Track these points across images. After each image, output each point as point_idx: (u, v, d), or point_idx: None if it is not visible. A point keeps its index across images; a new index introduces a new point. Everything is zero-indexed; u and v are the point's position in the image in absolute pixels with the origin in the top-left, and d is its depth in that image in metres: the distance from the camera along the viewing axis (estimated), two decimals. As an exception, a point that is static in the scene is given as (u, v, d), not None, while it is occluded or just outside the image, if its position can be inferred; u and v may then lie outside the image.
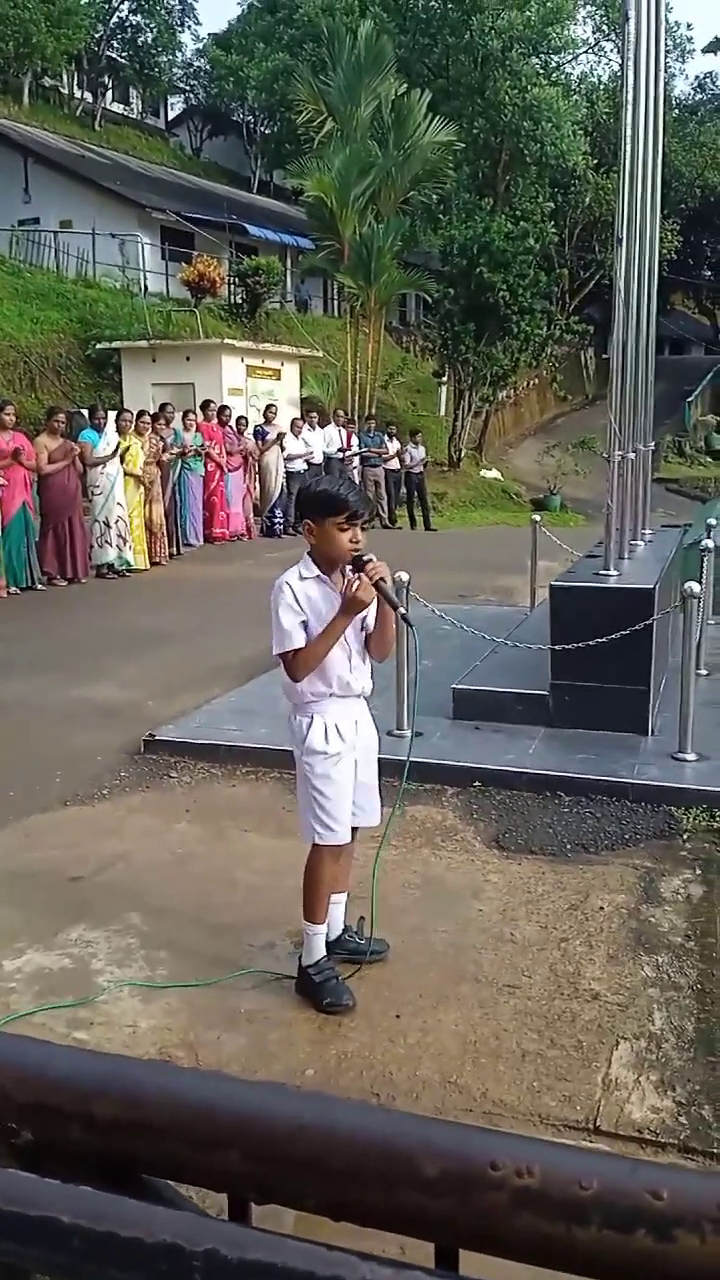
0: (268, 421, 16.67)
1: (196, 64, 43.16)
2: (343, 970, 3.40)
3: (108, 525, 12.15)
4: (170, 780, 5.46)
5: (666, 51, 14.97)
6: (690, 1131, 2.74)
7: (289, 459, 16.55)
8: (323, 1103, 0.64)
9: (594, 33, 35.43)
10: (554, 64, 31.96)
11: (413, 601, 5.76)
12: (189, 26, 44.88)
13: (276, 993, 3.40)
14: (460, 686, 6.22)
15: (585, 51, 35.14)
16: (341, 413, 19.42)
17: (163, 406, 14.53)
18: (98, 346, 19.13)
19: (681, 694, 5.36)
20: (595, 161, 30.26)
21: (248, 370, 18.39)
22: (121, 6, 37.97)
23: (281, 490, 16.32)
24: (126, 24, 38.59)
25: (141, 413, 13.51)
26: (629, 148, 6.01)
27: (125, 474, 12.40)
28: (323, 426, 17.82)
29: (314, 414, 18.12)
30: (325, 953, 3.39)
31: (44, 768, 5.61)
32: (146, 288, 24.54)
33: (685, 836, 4.65)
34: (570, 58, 33.59)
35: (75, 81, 39.09)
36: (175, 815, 4.98)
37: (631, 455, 6.80)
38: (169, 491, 13.68)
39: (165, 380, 17.42)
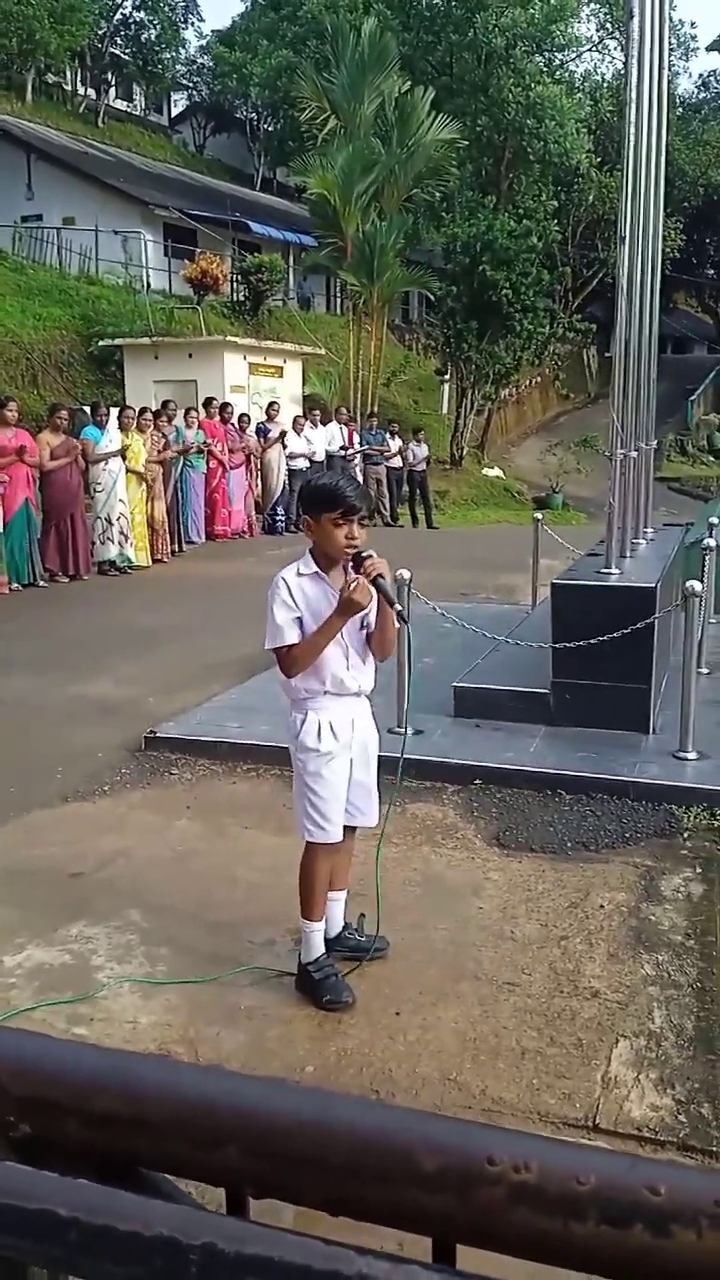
0: (270, 419, 16.67)
1: (200, 61, 43.13)
2: (342, 967, 3.41)
3: (110, 522, 12.16)
4: (171, 777, 5.46)
5: (670, 49, 14.96)
6: (689, 1130, 2.74)
7: (291, 457, 16.56)
8: (321, 1098, 0.64)
9: (597, 30, 35.44)
10: (558, 62, 31.94)
11: (414, 599, 5.75)
12: (192, 23, 44.89)
13: (276, 989, 3.41)
14: (461, 684, 6.22)
15: (589, 49, 35.15)
16: (344, 410, 19.42)
17: (165, 404, 14.53)
18: (100, 343, 19.13)
19: (682, 692, 5.36)
20: (598, 160, 30.22)
21: (250, 368, 18.39)
22: (125, 3, 37.98)
23: (283, 488, 16.33)
24: (130, 20, 38.59)
25: (144, 410, 13.52)
26: (632, 146, 6.00)
27: (127, 471, 12.40)
28: (325, 424, 17.82)
29: (317, 412, 18.12)
30: (324, 950, 3.39)
31: (45, 764, 5.62)
32: (149, 284, 24.53)
33: (686, 835, 4.65)
34: (574, 55, 33.58)
35: (78, 78, 39.06)
36: (176, 812, 4.98)
37: (634, 454, 6.79)
38: (171, 489, 13.69)
39: (167, 377, 17.42)
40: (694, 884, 4.20)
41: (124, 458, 12.29)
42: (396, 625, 3.28)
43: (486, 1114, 2.77)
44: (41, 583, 11.24)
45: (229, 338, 18.85)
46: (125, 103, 41.99)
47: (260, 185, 39.70)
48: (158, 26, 38.48)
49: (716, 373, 38.42)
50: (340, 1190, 0.61)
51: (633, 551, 6.89)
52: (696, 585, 5.43)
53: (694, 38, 41.51)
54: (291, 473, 16.29)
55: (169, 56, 40.13)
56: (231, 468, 15.29)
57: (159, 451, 13.22)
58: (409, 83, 23.78)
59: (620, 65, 30.59)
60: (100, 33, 36.47)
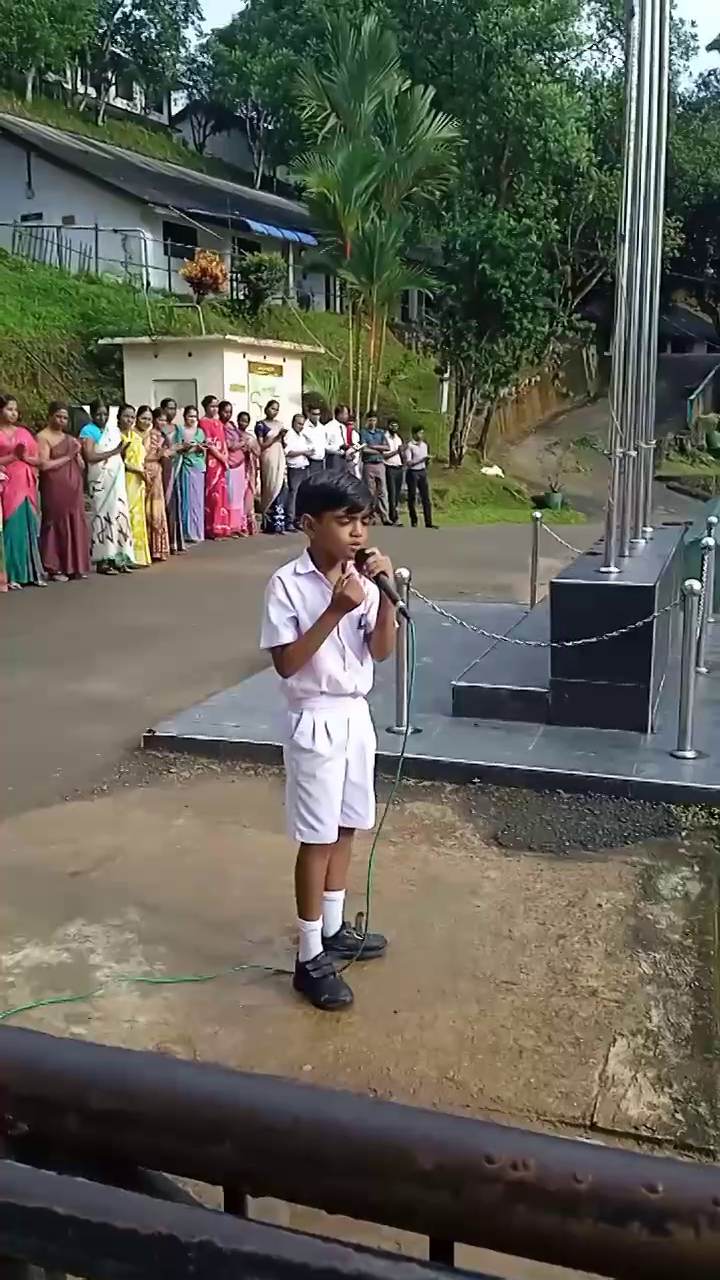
0: (269, 418, 16.66)
1: (200, 59, 43.10)
2: (338, 965, 3.40)
3: (109, 521, 12.15)
4: (169, 776, 5.46)
5: (670, 48, 14.95)
6: (687, 1128, 2.75)
7: (290, 455, 16.55)
8: (318, 1096, 0.64)
9: (598, 29, 35.44)
10: (558, 61, 31.96)
11: (413, 598, 5.75)
12: (193, 22, 44.76)
13: (274, 988, 3.41)
14: (460, 683, 6.22)
15: (589, 48, 35.13)
16: (344, 409, 19.41)
17: (164, 402, 14.53)
18: (100, 342, 19.12)
19: (681, 692, 5.36)
20: (598, 159, 30.21)
21: (249, 366, 18.38)
22: (125, 2, 37.95)
23: (283, 487, 16.32)
24: (130, 19, 38.56)
25: (143, 408, 13.51)
26: (633, 145, 6.00)
27: (127, 470, 12.40)
28: (325, 423, 17.82)
29: (317, 410, 18.11)
30: (322, 949, 3.39)
31: (43, 763, 5.62)
32: (149, 283, 24.51)
33: (684, 834, 4.65)
34: (574, 54, 33.58)
35: (79, 77, 39.02)
36: (174, 811, 4.98)
37: (633, 453, 6.79)
38: (170, 487, 13.69)
39: (167, 376, 17.41)
40: (692, 883, 4.20)
41: (123, 456, 12.29)
42: (397, 624, 3.28)
43: (484, 1113, 2.78)
44: (41, 581, 11.24)
45: (228, 336, 18.85)
46: (125, 101, 41.95)
47: (260, 184, 39.67)
48: (158, 25, 38.46)
49: (716, 372, 38.43)
50: (338, 1188, 0.61)
51: (632, 551, 6.88)
52: (695, 584, 5.44)
53: (694, 37, 41.41)
54: (291, 471, 16.28)
55: (169, 55, 40.11)
56: (231, 466, 15.29)
57: (158, 450, 13.22)
58: (409, 81, 23.79)
59: (620, 64, 30.59)
60: (100, 31, 36.42)
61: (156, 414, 13.74)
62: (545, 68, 30.01)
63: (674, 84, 37.45)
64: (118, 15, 38.02)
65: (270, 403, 17.15)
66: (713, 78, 44.70)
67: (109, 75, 39.45)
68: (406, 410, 25.34)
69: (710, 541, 7.49)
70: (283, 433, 16.55)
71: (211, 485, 15.06)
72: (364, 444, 18.39)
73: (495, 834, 4.68)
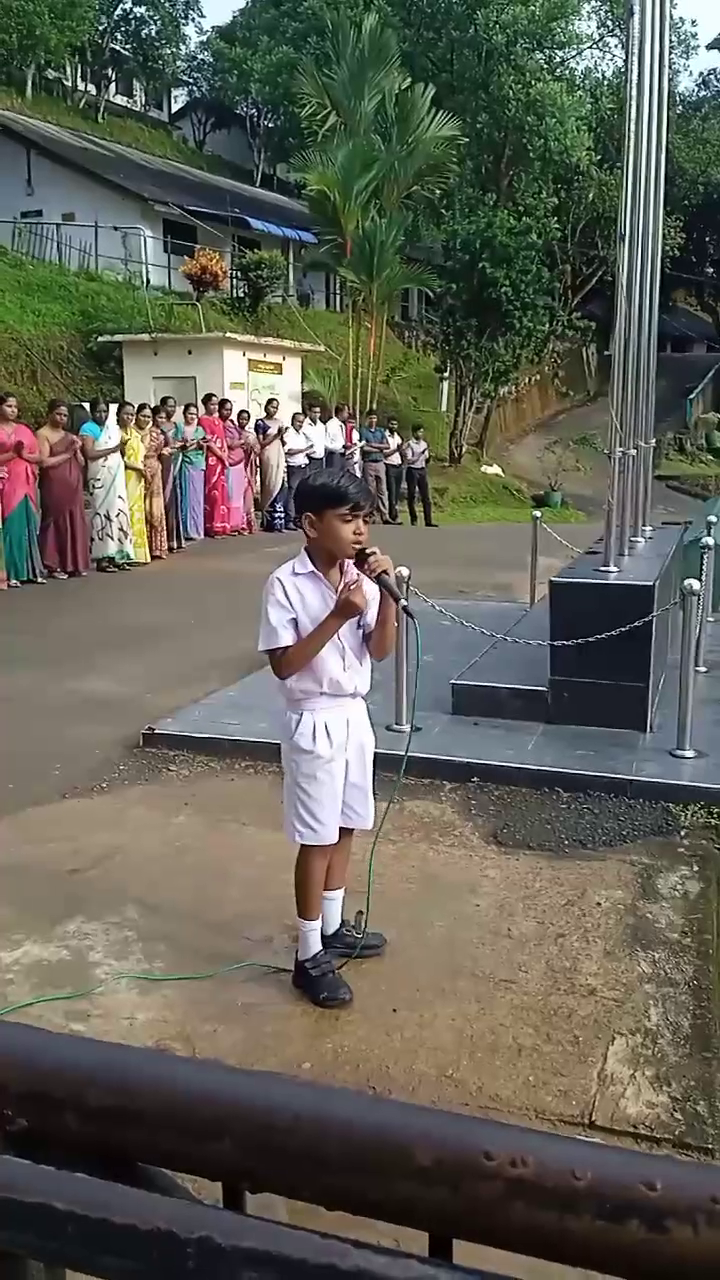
0: (269, 416, 16.65)
1: (200, 57, 43.08)
2: (336, 963, 3.40)
3: (108, 519, 12.15)
4: (169, 774, 5.46)
5: (671, 47, 14.95)
6: (685, 1127, 2.75)
7: (290, 454, 16.54)
8: (318, 1093, 0.64)
9: (598, 28, 35.34)
10: (558, 59, 31.94)
11: (412, 596, 5.75)
12: (193, 19, 44.93)
13: (273, 986, 3.41)
14: (459, 682, 6.22)
15: (589, 47, 35.06)
16: (345, 408, 19.40)
17: (164, 400, 14.52)
18: (99, 340, 19.11)
19: (680, 691, 5.36)
20: (599, 157, 30.19)
21: (249, 364, 18.37)
22: (125, -1, 37.92)
23: (282, 485, 16.32)
24: (130, 16, 38.51)
25: (142, 406, 13.51)
26: (633, 144, 6.00)
27: (126, 467, 12.40)
28: (325, 421, 17.81)
29: (317, 409, 18.10)
30: (321, 947, 3.39)
31: (43, 761, 5.62)
32: (148, 281, 24.48)
33: (683, 833, 4.66)
34: (574, 53, 33.54)
35: (79, 74, 38.98)
36: (174, 809, 4.98)
37: (632, 452, 6.79)
38: (169, 485, 13.68)
39: (167, 374, 17.40)
40: (691, 882, 4.20)
41: (123, 454, 12.28)
42: (397, 623, 3.27)
43: (483, 1111, 2.78)
44: (40, 579, 11.24)
45: (228, 334, 18.84)
46: (125, 98, 41.91)
47: (260, 181, 39.64)
48: (158, 22, 38.42)
49: (715, 371, 38.42)
50: (336, 1184, 0.61)
51: (631, 550, 6.89)
52: (695, 584, 5.44)
53: (694, 36, 41.40)
54: (290, 470, 16.28)
55: (169, 52, 40.08)
56: (230, 464, 15.29)
57: (157, 448, 13.21)
58: (409, 79, 23.78)
59: (621, 63, 30.54)
60: (101, 28, 36.38)
61: (156, 411, 13.73)
62: (545, 66, 29.99)
63: (674, 83, 37.42)
64: (118, 12, 37.97)
65: (270, 401, 17.14)
66: (713, 77, 44.69)
67: (109, 72, 39.41)
68: (406, 409, 25.34)
69: (709, 541, 7.50)
70: (282, 430, 16.54)
71: (211, 483, 15.06)
72: (364, 442, 18.39)
73: (494, 833, 4.68)
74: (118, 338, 18.63)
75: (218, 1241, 0.57)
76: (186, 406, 14.68)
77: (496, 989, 3.38)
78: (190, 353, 17.90)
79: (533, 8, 28.35)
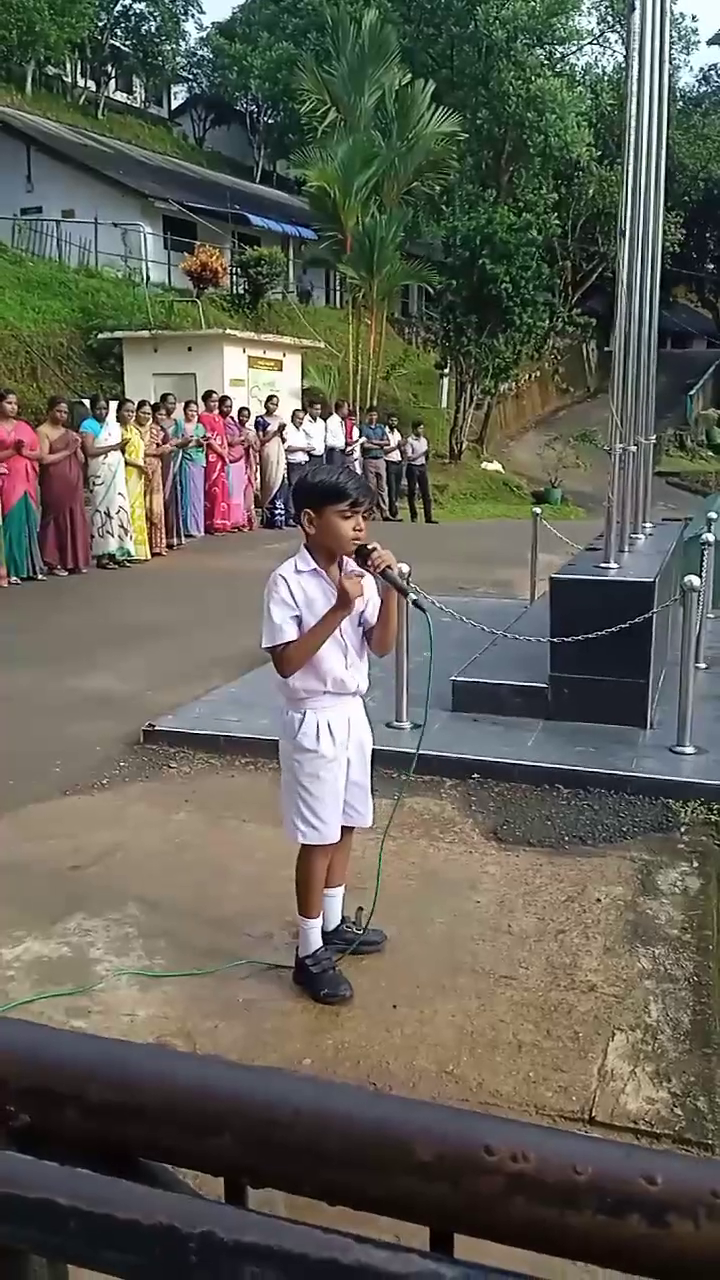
0: (269, 412, 16.64)
1: (200, 53, 43.02)
2: (335, 958, 3.41)
3: (109, 515, 12.15)
4: (169, 771, 5.46)
5: (671, 43, 14.92)
6: (685, 1123, 2.75)
7: (290, 450, 16.54)
8: (318, 1088, 0.64)
9: (598, 24, 35.29)
10: (558, 55, 31.89)
11: (413, 593, 5.74)
12: (193, 15, 44.61)
13: (274, 982, 3.41)
14: (459, 679, 6.22)
15: (590, 43, 35.05)
16: (345, 404, 19.39)
17: (164, 397, 14.51)
18: (99, 336, 19.10)
19: (680, 687, 5.36)
20: (599, 153, 30.16)
21: (249, 361, 18.35)
22: (125, -6, 37.86)
23: (283, 481, 16.32)
24: (130, 12, 38.49)
25: (143, 403, 13.50)
26: (633, 140, 5.99)
27: (127, 464, 12.39)
28: (325, 418, 17.80)
29: (318, 405, 18.09)
30: (322, 944, 3.39)
31: (43, 757, 5.62)
32: (148, 277, 24.46)
33: (683, 829, 4.66)
34: (575, 49, 33.51)
35: (78, 70, 38.94)
36: (174, 805, 4.98)
37: (633, 448, 6.78)
38: (169, 482, 13.68)
39: (167, 370, 17.40)
40: (690, 878, 4.21)
41: (123, 451, 12.28)
42: (413, 615, 3.26)
43: (483, 1107, 2.78)
44: (40, 576, 11.24)
45: (228, 331, 18.83)
46: (125, 95, 41.88)
47: (260, 178, 39.60)
48: (158, 18, 38.38)
49: (716, 367, 38.40)
50: (337, 1179, 0.61)
51: (631, 546, 6.88)
52: (695, 580, 5.44)
53: (695, 31, 41.30)
54: (290, 466, 16.27)
55: (169, 48, 40.04)
56: (231, 461, 15.28)
57: (157, 445, 13.20)
58: (409, 75, 23.74)
59: (621, 58, 30.49)
60: (100, 24, 36.34)
61: (156, 408, 13.73)
62: (546, 62, 29.95)
63: (674, 79, 37.37)
64: (118, 8, 37.92)
65: (270, 397, 17.13)
66: (713, 72, 44.66)
67: (109, 69, 39.37)
68: (406, 405, 25.34)
69: (710, 537, 7.50)
70: (282, 427, 16.53)
71: (211, 480, 15.05)
72: (364, 439, 18.38)
73: (494, 829, 4.68)
74: (118, 334, 18.63)
75: (220, 1236, 0.57)
76: (187, 403, 14.68)
77: (497, 985, 3.39)
78: (190, 349, 17.89)
79: (533, 3, 28.31)
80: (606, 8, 34.39)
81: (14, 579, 10.87)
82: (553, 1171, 0.57)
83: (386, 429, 18.86)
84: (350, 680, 3.23)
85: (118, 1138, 0.66)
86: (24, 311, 19.38)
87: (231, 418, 15.55)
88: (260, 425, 16.36)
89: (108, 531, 12.17)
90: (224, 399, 15.81)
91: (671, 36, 14.80)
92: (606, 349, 27.46)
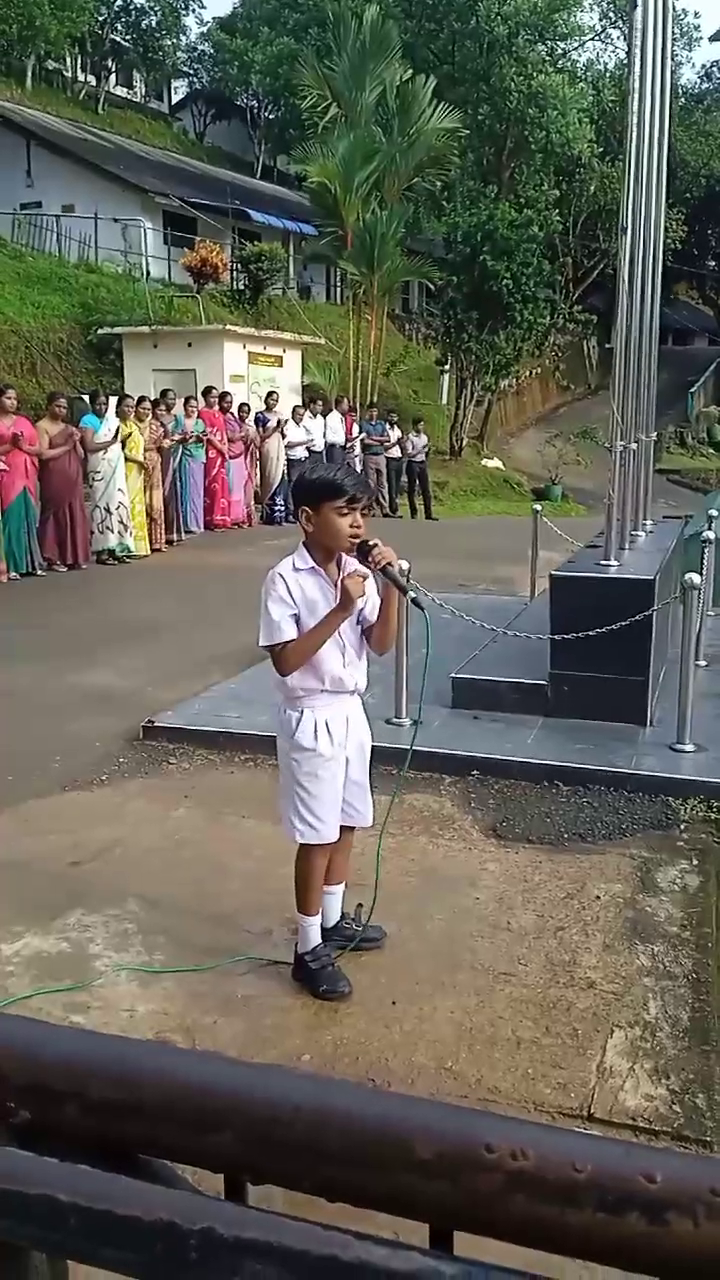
0: (269, 408, 16.63)
1: (201, 48, 42.91)
2: (334, 955, 3.41)
3: (109, 511, 12.14)
4: (169, 767, 5.46)
5: (673, 40, 14.89)
6: (684, 1120, 2.76)
7: (290, 446, 16.52)
8: (318, 1085, 0.64)
9: (600, 20, 35.20)
10: (560, 51, 31.79)
11: (412, 590, 5.74)
12: (193, 10, 44.50)
13: (273, 979, 3.41)
14: (459, 675, 6.22)
15: (592, 39, 34.93)
16: (345, 400, 19.38)
17: (164, 392, 14.50)
18: (99, 331, 19.08)
19: (680, 685, 5.36)
20: (600, 150, 30.13)
21: (249, 357, 18.33)
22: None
23: (282, 478, 16.30)
24: (130, 7, 38.36)
25: (142, 398, 13.49)
26: (635, 136, 5.98)
27: (126, 460, 12.38)
28: (326, 414, 17.79)
29: (318, 401, 18.07)
30: (321, 941, 3.39)
31: (43, 753, 5.62)
32: (149, 273, 24.44)
33: (682, 827, 4.66)
34: (576, 45, 33.41)
35: (78, 65, 38.84)
36: (174, 801, 4.99)
37: (633, 446, 6.78)
38: (169, 478, 13.67)
39: (167, 366, 17.38)
40: (690, 876, 4.21)
41: (123, 446, 12.26)
42: (412, 613, 3.26)
43: (482, 1103, 2.78)
44: (40, 571, 11.23)
45: (228, 326, 18.80)
46: (125, 89, 41.80)
47: (261, 173, 39.54)
48: (158, 13, 38.27)
49: (717, 365, 38.37)
50: (337, 1176, 0.61)
51: (632, 544, 6.88)
52: (695, 578, 5.44)
53: (697, 28, 41.27)
54: (290, 463, 16.25)
55: (170, 43, 39.94)
56: (231, 457, 15.27)
57: (158, 441, 13.19)
58: (410, 71, 23.69)
59: (623, 55, 30.41)
60: (101, 19, 36.24)
61: (156, 404, 13.71)
62: (547, 58, 29.86)
63: (676, 75, 37.30)
64: (118, 3, 37.83)
65: (270, 393, 17.12)
66: (715, 69, 44.56)
67: (109, 63, 39.28)
68: (407, 402, 25.31)
69: (710, 535, 7.50)
70: (282, 423, 16.52)
71: (211, 476, 15.04)
72: (364, 435, 18.36)
73: (494, 826, 4.68)
74: (117, 330, 18.60)
75: (220, 1233, 0.58)
76: (186, 399, 14.66)
77: (496, 982, 3.39)
78: (190, 345, 17.87)
79: (534, -1, 28.28)
80: (609, 4, 34.30)
81: (13, 575, 10.86)
82: (552, 1169, 0.57)
83: (387, 425, 18.84)
84: (349, 679, 3.22)
85: (118, 1134, 0.66)
86: (24, 306, 19.36)
87: (231, 414, 15.53)
88: (260, 421, 16.34)
89: (107, 527, 12.16)
90: (224, 395, 15.79)
91: (673, 33, 14.77)
92: (607, 346, 27.46)
